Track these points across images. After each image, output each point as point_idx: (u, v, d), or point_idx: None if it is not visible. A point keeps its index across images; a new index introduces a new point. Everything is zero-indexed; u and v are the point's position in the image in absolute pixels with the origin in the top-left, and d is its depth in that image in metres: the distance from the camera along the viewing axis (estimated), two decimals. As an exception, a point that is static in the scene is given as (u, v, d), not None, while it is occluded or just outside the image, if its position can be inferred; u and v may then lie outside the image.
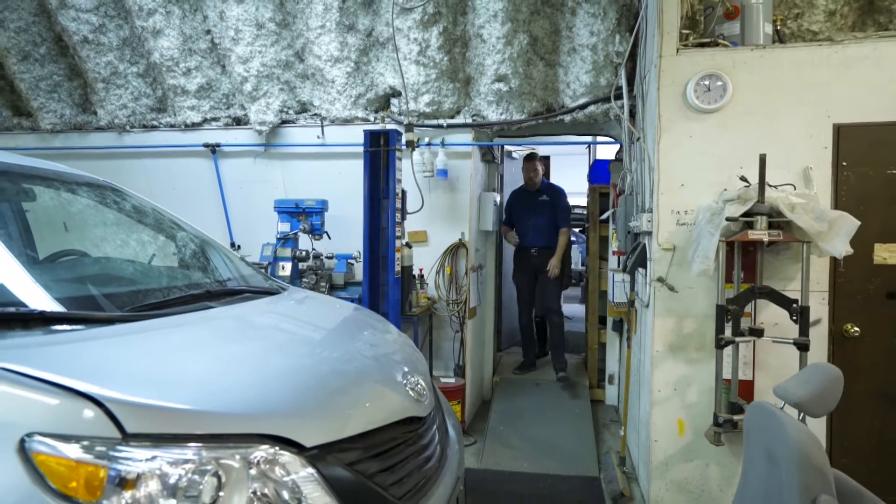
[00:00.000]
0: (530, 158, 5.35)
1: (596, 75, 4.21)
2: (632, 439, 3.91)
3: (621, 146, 4.38)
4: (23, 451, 1.10)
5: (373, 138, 3.73)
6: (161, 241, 2.55)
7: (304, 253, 4.61)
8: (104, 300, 1.76)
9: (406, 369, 1.96)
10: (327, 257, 4.72)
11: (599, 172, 5.35)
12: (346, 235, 4.65)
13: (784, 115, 3.14)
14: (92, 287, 1.86)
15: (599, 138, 4.99)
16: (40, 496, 1.08)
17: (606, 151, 6.12)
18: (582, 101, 4.34)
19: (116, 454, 1.14)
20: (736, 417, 2.94)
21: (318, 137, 4.80)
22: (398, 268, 3.68)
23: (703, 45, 3.33)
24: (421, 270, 4.72)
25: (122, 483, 1.13)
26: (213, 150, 4.97)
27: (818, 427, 3.10)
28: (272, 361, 1.66)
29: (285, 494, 1.32)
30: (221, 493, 1.22)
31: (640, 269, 3.65)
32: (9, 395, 1.14)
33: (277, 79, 4.69)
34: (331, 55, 4.45)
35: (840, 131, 3.09)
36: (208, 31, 4.63)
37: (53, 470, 1.10)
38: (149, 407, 1.23)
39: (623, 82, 3.97)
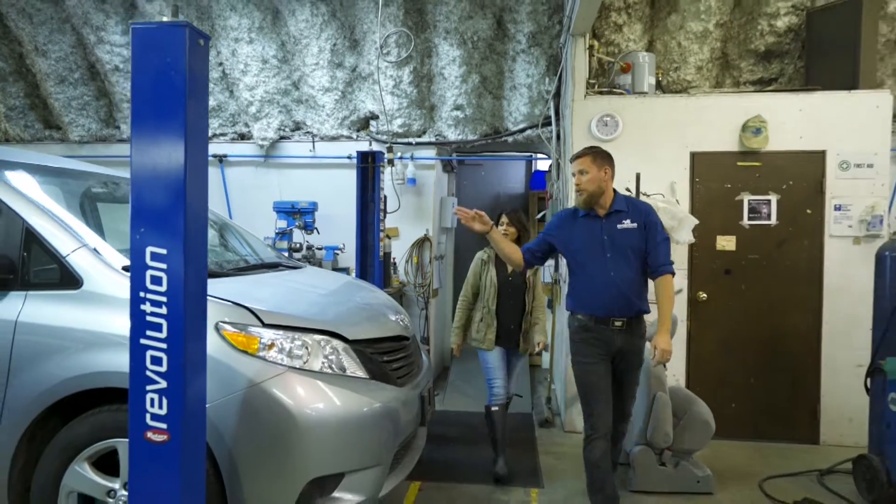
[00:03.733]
0: (575, 157, 3.11)
1: (532, 107, 5.44)
2: (556, 383, 5.16)
3: (552, 162, 5.63)
4: (216, 329, 2.21)
5: (363, 157, 4.87)
6: (224, 235, 3.62)
7: (298, 245, 5.68)
8: (216, 266, 2.87)
9: (396, 310, 3.13)
10: (317, 249, 5.80)
11: (537, 181, 6.60)
12: (332, 231, 5.74)
13: (658, 145, 4.43)
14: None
15: (539, 155, 6.25)
16: (229, 350, 2.20)
17: (544, 164, 7.39)
18: (521, 126, 5.56)
19: (261, 332, 2.27)
20: (620, 356, 4.20)
21: (310, 151, 5.89)
22: (381, 253, 4.83)
23: (603, 92, 4.60)
24: (394, 259, 5.85)
25: (265, 346, 2.26)
26: (221, 160, 6.00)
27: (680, 365, 4.40)
28: (319, 299, 2.81)
29: (336, 364, 2.46)
30: (309, 356, 2.35)
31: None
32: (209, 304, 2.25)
33: (277, 103, 5.76)
34: (322, 86, 5.55)
35: (694, 157, 4.39)
36: (220, 64, 5.66)
37: (233, 338, 2.22)
38: (272, 312, 2.36)
39: (552, 113, 5.21)
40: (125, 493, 2.18)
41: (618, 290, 2.96)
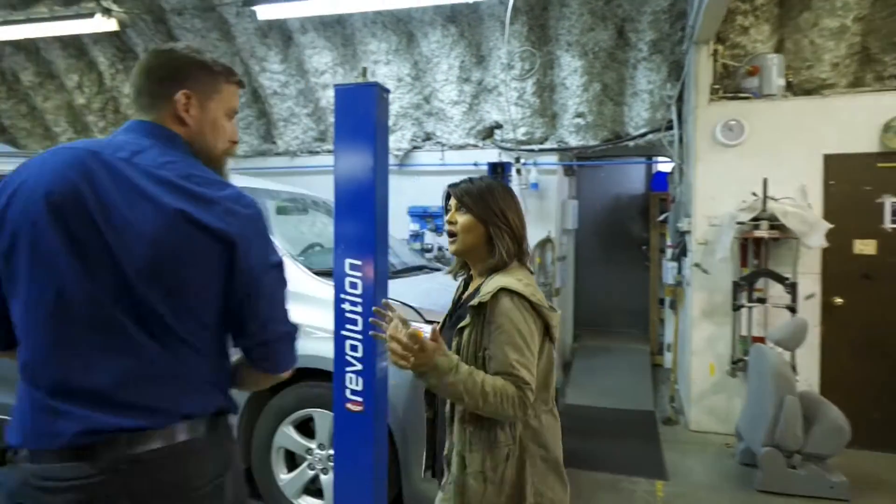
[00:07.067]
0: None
1: (653, 112, 5.55)
2: (679, 383, 5.25)
3: (674, 164, 5.69)
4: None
5: (493, 167, 5.29)
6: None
7: (430, 246, 6.21)
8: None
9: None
10: (447, 249, 6.30)
11: (659, 182, 6.64)
12: (460, 233, 6.20)
13: (786, 148, 4.40)
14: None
15: (661, 158, 6.31)
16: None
17: (666, 165, 7.36)
18: (642, 130, 5.68)
19: (424, 327, 2.72)
20: (746, 357, 4.26)
21: (440, 159, 6.39)
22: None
23: (728, 97, 4.63)
24: (517, 260, 6.20)
25: (427, 338, 2.71)
26: (361, 169, 6.67)
27: (813, 369, 4.34)
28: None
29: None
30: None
31: (683, 258, 5.00)
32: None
33: (410, 116, 6.32)
34: (451, 99, 6.02)
35: (828, 159, 4.32)
36: (361, 84, 6.32)
37: (402, 331, 2.69)
38: (430, 310, 2.80)
39: (674, 118, 5.29)
40: (320, 451, 2.73)
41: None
